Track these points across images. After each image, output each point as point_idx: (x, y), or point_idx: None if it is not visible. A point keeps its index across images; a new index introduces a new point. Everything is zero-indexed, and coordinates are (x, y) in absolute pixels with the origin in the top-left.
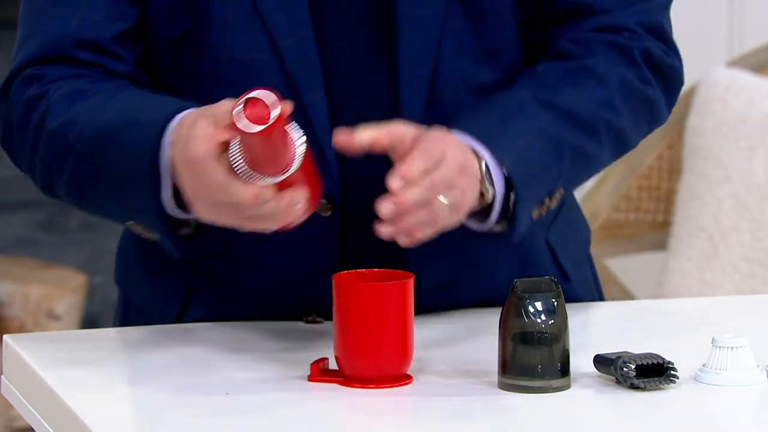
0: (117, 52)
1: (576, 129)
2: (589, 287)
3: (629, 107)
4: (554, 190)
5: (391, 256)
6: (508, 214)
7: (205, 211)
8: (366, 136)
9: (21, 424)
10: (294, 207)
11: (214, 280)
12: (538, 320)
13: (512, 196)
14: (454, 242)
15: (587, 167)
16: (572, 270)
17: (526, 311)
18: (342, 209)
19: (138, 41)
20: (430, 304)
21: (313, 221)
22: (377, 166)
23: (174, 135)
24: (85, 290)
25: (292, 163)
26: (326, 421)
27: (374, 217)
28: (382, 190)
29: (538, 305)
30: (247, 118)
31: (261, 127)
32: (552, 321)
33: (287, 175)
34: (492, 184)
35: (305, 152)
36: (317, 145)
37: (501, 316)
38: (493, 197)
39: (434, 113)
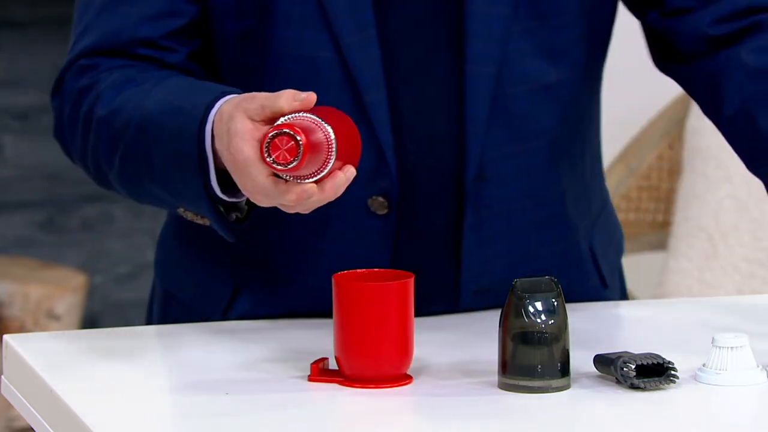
0: (171, 47)
1: None
2: (620, 296)
3: None
4: None
5: (445, 255)
6: None
7: (254, 201)
8: None
9: (21, 424)
10: (338, 191)
11: (264, 274)
12: (538, 320)
13: None
14: (508, 244)
15: None
16: (609, 277)
17: (526, 311)
18: (399, 207)
19: (193, 36)
20: (470, 305)
21: (368, 218)
22: (434, 166)
23: (216, 127)
24: (85, 290)
25: (329, 159)
26: (326, 421)
27: (431, 215)
28: (439, 189)
29: (538, 305)
30: (277, 159)
31: (293, 164)
32: (552, 321)
33: (326, 171)
34: None
35: (337, 142)
36: (376, 143)
37: (501, 316)
38: None
39: (499, 112)
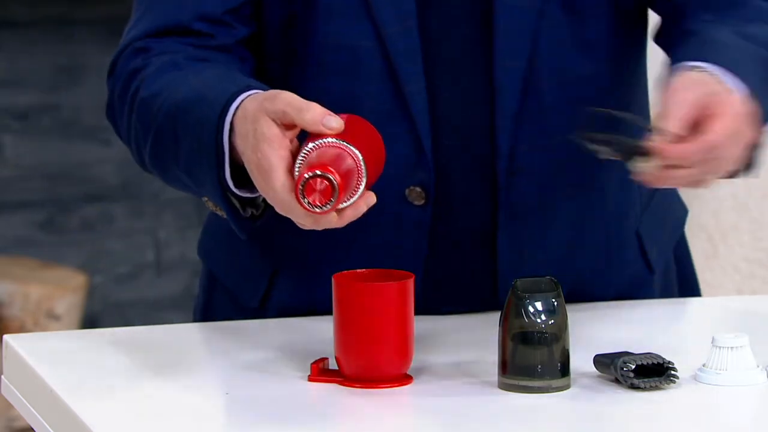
0: (229, 22)
1: None
2: (670, 279)
3: None
4: None
5: (481, 247)
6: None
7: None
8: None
9: (21, 424)
10: (357, 217)
11: (302, 261)
12: (538, 320)
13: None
14: (544, 236)
15: None
16: (656, 261)
17: (526, 311)
18: (435, 198)
19: (251, 19)
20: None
21: (405, 209)
22: (469, 158)
23: (238, 123)
24: (85, 290)
25: (359, 187)
26: (326, 421)
27: (467, 207)
28: (473, 182)
29: (538, 305)
30: (313, 203)
31: (329, 206)
32: (552, 321)
33: (354, 199)
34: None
35: (366, 166)
36: (415, 134)
37: (501, 316)
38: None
39: (529, 105)
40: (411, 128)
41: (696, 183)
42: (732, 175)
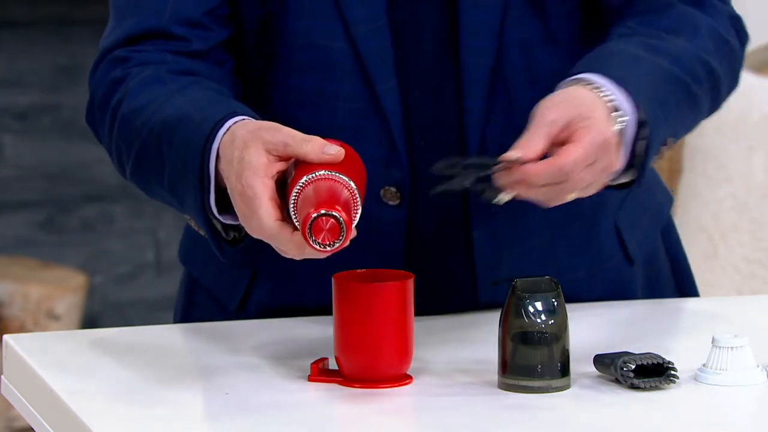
0: (207, 25)
1: (686, 73)
2: (657, 270)
3: (720, 56)
4: (675, 134)
5: (458, 247)
6: (634, 159)
7: (250, 233)
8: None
9: (21, 424)
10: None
11: (280, 262)
12: (538, 320)
13: (641, 142)
14: (520, 235)
15: (695, 114)
16: (636, 252)
17: (526, 311)
18: (410, 198)
19: (228, 20)
20: (491, 298)
21: (381, 209)
22: (437, 149)
23: (224, 148)
24: (85, 290)
25: (354, 219)
26: (326, 421)
27: (441, 207)
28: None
29: (538, 305)
30: (322, 242)
31: (338, 244)
32: (552, 321)
33: (335, 244)
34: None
35: (360, 195)
36: (389, 133)
37: (501, 316)
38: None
39: (498, 102)
40: (384, 127)
41: (550, 200)
42: (619, 185)
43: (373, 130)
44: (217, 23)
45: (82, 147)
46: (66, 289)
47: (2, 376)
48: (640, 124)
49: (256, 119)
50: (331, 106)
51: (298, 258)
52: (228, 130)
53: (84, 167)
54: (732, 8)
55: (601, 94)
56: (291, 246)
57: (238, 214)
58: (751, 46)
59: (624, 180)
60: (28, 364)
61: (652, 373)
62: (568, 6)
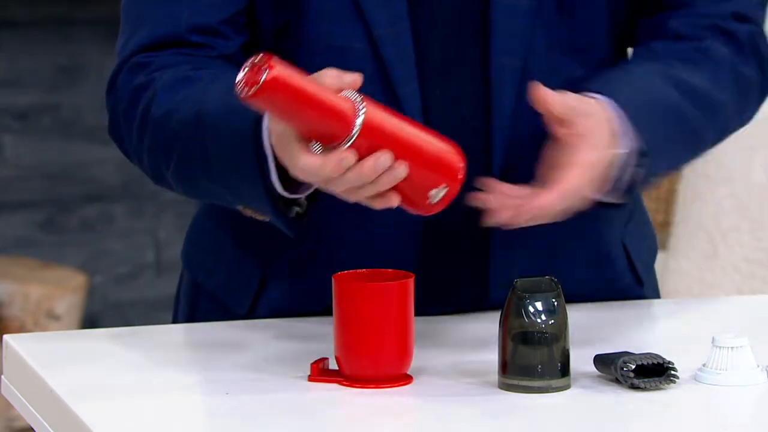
0: (226, 33)
1: (697, 109)
2: (656, 295)
3: (737, 92)
4: (672, 167)
5: (474, 247)
6: (625, 182)
7: (304, 179)
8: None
9: (21, 424)
10: (380, 169)
11: (292, 264)
12: (538, 320)
13: (638, 170)
14: (539, 235)
15: (696, 149)
16: (644, 274)
17: (526, 311)
18: None
19: (246, 27)
20: (500, 299)
21: (399, 209)
22: (466, 156)
23: (271, 123)
24: (85, 290)
25: (353, 126)
26: (326, 421)
27: (458, 209)
28: (470, 179)
29: (538, 305)
30: (246, 83)
31: (253, 89)
32: (552, 321)
33: (352, 139)
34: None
35: (366, 115)
36: None
37: (501, 316)
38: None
39: (525, 105)
40: None
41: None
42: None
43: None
44: (235, 31)
45: (82, 147)
46: (66, 289)
47: (2, 376)
48: (641, 154)
49: None
50: None
51: (349, 194)
52: None
53: (84, 167)
54: (761, 38)
55: (611, 116)
56: (326, 168)
57: (288, 167)
58: None
59: (609, 200)
60: (28, 364)
61: (652, 373)
62: (598, 14)
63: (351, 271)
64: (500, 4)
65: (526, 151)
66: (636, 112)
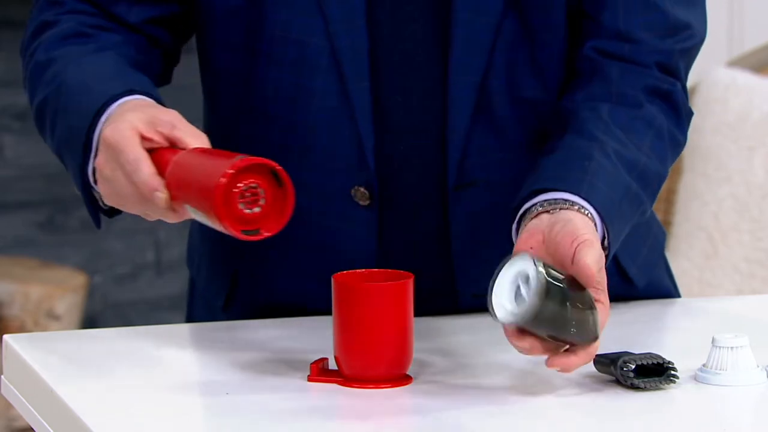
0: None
1: (646, 192)
2: (660, 290)
3: (672, 159)
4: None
5: (437, 258)
6: None
7: (109, 195)
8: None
9: (21, 424)
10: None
11: (257, 264)
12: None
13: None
14: (503, 249)
15: (638, 221)
16: (638, 273)
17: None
18: (382, 201)
19: (172, 1)
20: (468, 306)
21: (352, 209)
22: (418, 167)
23: (111, 115)
24: (85, 290)
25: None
26: (326, 421)
27: (417, 213)
28: (424, 190)
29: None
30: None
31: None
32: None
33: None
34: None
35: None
36: (356, 133)
37: None
38: None
39: (481, 119)
40: (353, 127)
41: None
42: None
43: (345, 128)
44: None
45: None
46: (66, 289)
47: (2, 376)
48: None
49: (158, 101)
50: (307, 102)
51: (171, 220)
52: (120, 104)
53: None
54: (682, 94)
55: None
56: (149, 178)
57: (101, 170)
58: (751, 46)
59: None
60: (28, 364)
61: (652, 373)
62: (557, 37)
63: (351, 271)
64: (462, 20)
65: (489, 166)
66: (608, 213)
